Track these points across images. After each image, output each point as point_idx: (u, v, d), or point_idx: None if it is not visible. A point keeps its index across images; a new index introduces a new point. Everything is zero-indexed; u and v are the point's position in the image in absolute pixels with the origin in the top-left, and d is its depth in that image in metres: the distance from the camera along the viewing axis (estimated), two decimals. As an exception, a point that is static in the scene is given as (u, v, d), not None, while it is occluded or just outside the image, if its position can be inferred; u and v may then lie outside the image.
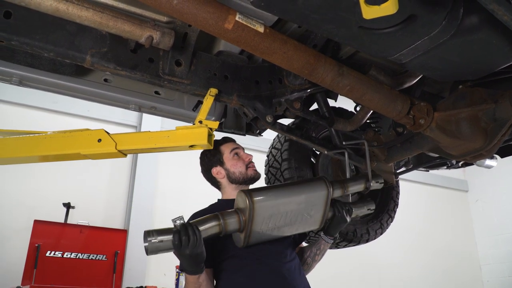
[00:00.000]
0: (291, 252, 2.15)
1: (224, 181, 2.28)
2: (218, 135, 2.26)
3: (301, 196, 2.01)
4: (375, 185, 2.36)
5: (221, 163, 2.26)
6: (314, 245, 2.29)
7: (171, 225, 1.73)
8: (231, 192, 2.26)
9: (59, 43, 1.68)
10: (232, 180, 2.25)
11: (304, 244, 2.43)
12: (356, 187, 2.30)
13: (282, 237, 2.11)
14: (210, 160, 2.28)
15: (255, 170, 2.28)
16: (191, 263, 1.76)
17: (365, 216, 2.72)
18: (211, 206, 2.26)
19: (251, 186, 2.33)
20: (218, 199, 2.33)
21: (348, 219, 2.17)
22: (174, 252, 1.72)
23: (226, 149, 2.28)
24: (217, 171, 2.27)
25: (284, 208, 1.97)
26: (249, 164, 2.26)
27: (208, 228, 1.79)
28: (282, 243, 2.13)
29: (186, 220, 1.85)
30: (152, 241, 1.65)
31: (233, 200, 2.08)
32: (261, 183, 2.76)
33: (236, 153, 2.27)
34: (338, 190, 2.19)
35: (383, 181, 2.38)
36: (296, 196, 2.00)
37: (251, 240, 1.95)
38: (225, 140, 2.34)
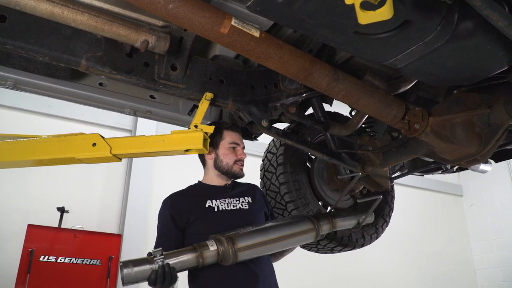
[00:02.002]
0: None
1: (210, 163, 2.30)
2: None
3: (285, 238, 2.08)
4: (368, 219, 2.46)
5: (216, 145, 2.27)
6: None
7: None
8: (213, 177, 2.30)
9: (54, 47, 1.67)
10: (217, 167, 2.27)
11: None
12: (348, 223, 2.40)
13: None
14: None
15: (241, 169, 2.30)
16: None
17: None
18: (190, 187, 2.32)
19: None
20: (198, 181, 2.36)
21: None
22: None
23: (227, 137, 2.27)
24: (209, 151, 2.29)
25: (268, 251, 2.08)
26: (239, 161, 2.28)
27: (185, 261, 1.81)
28: None
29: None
30: (128, 273, 1.68)
31: (212, 186, 2.26)
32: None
33: (234, 147, 2.28)
34: (325, 225, 2.26)
35: (373, 214, 2.49)
36: (280, 239, 2.07)
37: None
38: (233, 128, 2.32)
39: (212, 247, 1.85)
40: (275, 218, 2.45)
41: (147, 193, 6.64)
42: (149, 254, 1.77)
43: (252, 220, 2.19)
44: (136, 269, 1.69)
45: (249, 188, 2.39)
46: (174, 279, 1.73)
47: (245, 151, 2.33)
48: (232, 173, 2.28)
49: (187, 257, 1.80)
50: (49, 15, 1.51)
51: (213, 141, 2.25)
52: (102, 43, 1.77)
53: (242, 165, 2.31)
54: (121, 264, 1.70)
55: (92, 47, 1.75)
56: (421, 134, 2.08)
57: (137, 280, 1.69)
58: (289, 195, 2.59)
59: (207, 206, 2.17)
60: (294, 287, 6.41)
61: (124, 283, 1.69)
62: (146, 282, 1.75)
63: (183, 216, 2.11)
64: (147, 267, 1.71)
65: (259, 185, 2.83)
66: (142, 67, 1.87)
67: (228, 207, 2.20)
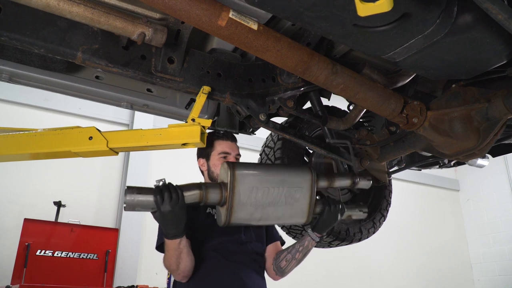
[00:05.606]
0: (257, 253, 2.21)
1: (205, 174, 2.35)
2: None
3: (284, 174, 2.04)
4: (362, 182, 2.33)
5: (207, 157, 2.31)
6: (298, 242, 2.27)
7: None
8: None
9: (50, 39, 1.65)
10: (211, 178, 2.30)
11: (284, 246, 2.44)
12: (343, 182, 2.29)
13: (255, 235, 2.23)
14: (201, 149, 2.30)
15: None
16: (172, 224, 1.80)
17: (358, 219, 2.69)
18: None
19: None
20: None
21: (339, 217, 2.15)
22: (154, 216, 1.77)
23: (218, 147, 2.29)
24: (202, 163, 2.34)
25: (267, 183, 1.98)
26: None
27: (189, 194, 1.81)
28: (248, 244, 2.19)
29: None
30: (131, 197, 1.68)
31: None
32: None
33: (225, 157, 2.27)
34: (323, 180, 2.19)
35: (371, 178, 2.38)
36: (278, 174, 2.03)
37: (233, 218, 1.93)
38: (223, 137, 2.33)
39: (217, 185, 1.90)
40: (277, 233, 2.44)
41: (144, 188, 6.63)
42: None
43: (250, 229, 2.21)
44: (140, 196, 1.70)
45: None
46: (181, 198, 1.73)
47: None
48: None
49: (192, 192, 1.82)
50: (44, 6, 1.49)
51: (205, 153, 2.28)
52: (99, 35, 1.76)
53: None
54: (126, 188, 1.71)
55: (88, 39, 1.73)
56: (419, 128, 2.07)
57: (138, 206, 1.71)
58: (287, 189, 2.58)
59: (207, 211, 2.22)
60: (292, 282, 6.42)
61: (125, 209, 1.71)
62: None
63: None
64: (150, 197, 1.72)
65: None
66: (139, 60, 1.85)
67: None
